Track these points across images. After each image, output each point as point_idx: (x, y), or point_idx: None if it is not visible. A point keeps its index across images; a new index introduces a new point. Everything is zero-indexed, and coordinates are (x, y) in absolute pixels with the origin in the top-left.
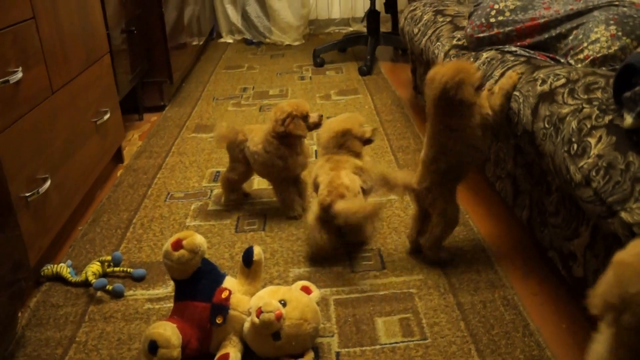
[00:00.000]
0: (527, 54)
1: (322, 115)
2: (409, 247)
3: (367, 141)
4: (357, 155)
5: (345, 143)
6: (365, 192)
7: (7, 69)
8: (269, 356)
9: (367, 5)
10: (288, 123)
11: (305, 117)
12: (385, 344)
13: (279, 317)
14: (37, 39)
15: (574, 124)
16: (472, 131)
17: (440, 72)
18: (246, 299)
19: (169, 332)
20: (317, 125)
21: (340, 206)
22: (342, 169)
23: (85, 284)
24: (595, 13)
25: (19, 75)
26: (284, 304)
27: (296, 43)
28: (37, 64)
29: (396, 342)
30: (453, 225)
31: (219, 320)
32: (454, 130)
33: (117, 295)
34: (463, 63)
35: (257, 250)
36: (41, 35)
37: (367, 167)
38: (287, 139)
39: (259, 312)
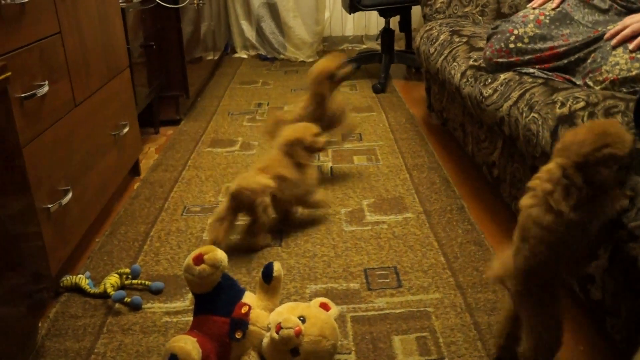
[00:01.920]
0: (545, 76)
1: (327, 141)
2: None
3: (318, 150)
4: (300, 164)
5: (293, 150)
6: (279, 199)
7: (34, 82)
8: None
9: (381, 24)
10: (289, 150)
11: (309, 147)
12: None
13: (298, 334)
14: (62, 54)
15: None
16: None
17: (577, 136)
18: (265, 315)
19: (189, 346)
20: (321, 149)
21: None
22: (263, 172)
23: (104, 295)
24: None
25: (45, 89)
26: (303, 320)
27: (310, 59)
28: (61, 78)
29: None
30: (553, 346)
31: (238, 335)
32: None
33: (135, 307)
34: (611, 125)
35: (277, 267)
36: (66, 49)
37: (292, 178)
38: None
39: (279, 327)
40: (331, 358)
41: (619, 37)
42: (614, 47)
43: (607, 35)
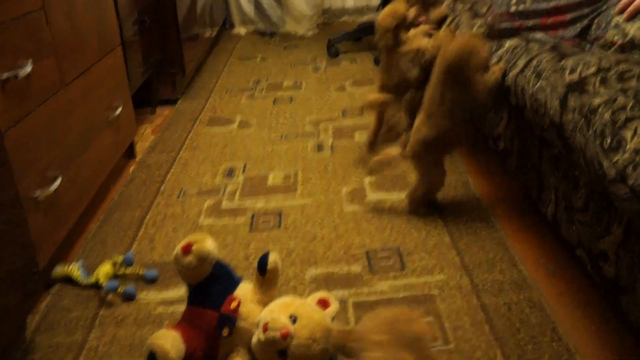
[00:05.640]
0: (553, 40)
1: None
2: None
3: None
4: None
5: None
6: None
7: (16, 61)
8: None
9: None
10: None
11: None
12: None
13: (285, 336)
14: (47, 31)
15: (607, 116)
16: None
17: (451, 47)
18: (258, 310)
19: (168, 344)
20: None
21: None
22: None
23: (96, 286)
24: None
25: (29, 68)
26: (294, 320)
27: (310, 33)
28: (47, 57)
29: None
30: (436, 189)
31: (224, 333)
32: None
33: (128, 298)
34: (473, 40)
35: (273, 258)
36: (52, 26)
37: None
38: None
39: (265, 328)
40: None
41: (631, 9)
42: (618, 13)
43: (616, 9)
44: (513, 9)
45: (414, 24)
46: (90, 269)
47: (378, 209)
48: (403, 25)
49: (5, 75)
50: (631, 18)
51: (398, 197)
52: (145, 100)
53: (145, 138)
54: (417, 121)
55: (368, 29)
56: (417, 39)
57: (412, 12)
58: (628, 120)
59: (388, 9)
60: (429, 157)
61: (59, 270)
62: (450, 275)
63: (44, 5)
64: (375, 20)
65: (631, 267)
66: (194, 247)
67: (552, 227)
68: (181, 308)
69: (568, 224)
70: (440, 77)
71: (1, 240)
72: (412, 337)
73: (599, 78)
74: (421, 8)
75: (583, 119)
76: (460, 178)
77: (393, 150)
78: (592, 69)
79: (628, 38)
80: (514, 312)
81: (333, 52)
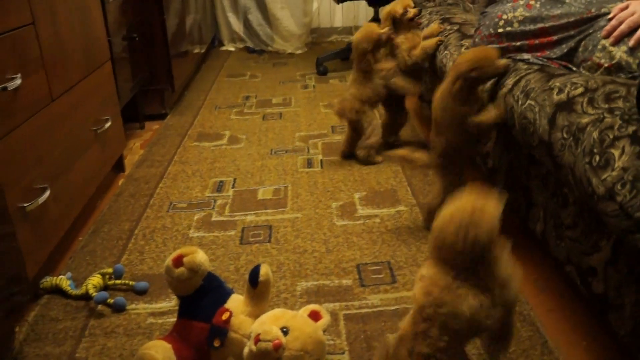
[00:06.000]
0: (541, 62)
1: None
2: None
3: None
4: None
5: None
6: None
7: (5, 75)
8: None
9: (370, 14)
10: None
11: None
12: None
13: (277, 347)
14: (36, 45)
15: (595, 135)
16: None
17: (465, 55)
18: (249, 321)
19: (159, 355)
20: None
21: None
22: None
23: (86, 297)
24: (601, 22)
25: (18, 82)
26: (286, 332)
27: (298, 51)
28: (36, 71)
29: None
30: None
31: (216, 344)
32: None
33: (118, 309)
34: (485, 51)
35: (264, 270)
36: (40, 41)
37: None
38: None
39: (257, 339)
40: None
41: (616, 34)
42: (605, 37)
43: (603, 33)
44: (500, 30)
45: (387, 42)
46: (78, 281)
47: (368, 224)
48: (378, 46)
49: None
50: (617, 42)
51: (388, 212)
52: (134, 115)
53: (134, 152)
54: (431, 133)
55: None
56: (408, 41)
57: (385, 31)
58: (616, 139)
59: (362, 33)
60: (448, 168)
61: (48, 281)
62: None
63: (33, 20)
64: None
65: (619, 283)
66: (185, 259)
67: (541, 244)
68: (171, 319)
69: (557, 241)
70: (452, 88)
71: None
72: None
73: (586, 98)
74: (393, 28)
75: (571, 138)
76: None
77: (419, 154)
78: (580, 89)
79: (615, 61)
80: None
81: (322, 71)
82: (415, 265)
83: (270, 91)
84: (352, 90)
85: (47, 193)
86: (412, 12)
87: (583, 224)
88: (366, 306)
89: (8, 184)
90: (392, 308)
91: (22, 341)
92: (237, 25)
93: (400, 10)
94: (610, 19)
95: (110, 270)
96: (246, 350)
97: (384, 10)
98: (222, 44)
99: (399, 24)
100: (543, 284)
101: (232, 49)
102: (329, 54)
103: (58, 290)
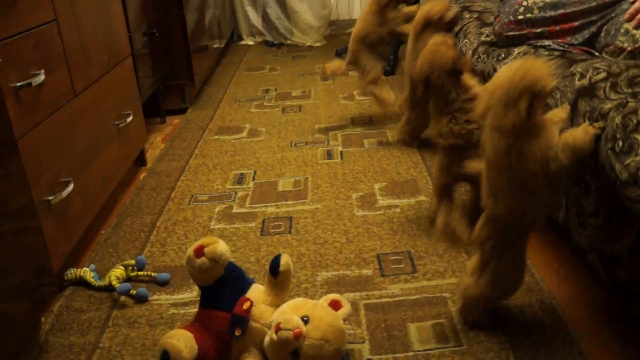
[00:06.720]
0: (562, 48)
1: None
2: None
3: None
4: None
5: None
6: None
7: (29, 71)
8: None
9: None
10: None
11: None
12: (419, 350)
13: (298, 336)
14: (59, 42)
15: (618, 120)
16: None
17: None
18: (270, 311)
19: (182, 344)
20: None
21: None
22: None
23: (109, 288)
24: (624, 5)
25: (42, 77)
26: (306, 321)
27: (317, 44)
28: (59, 67)
29: (430, 349)
30: (507, 291)
31: (237, 333)
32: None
33: (141, 300)
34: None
35: (285, 260)
36: (63, 37)
37: None
38: None
39: (278, 328)
40: None
41: (639, 17)
42: (628, 20)
43: (626, 16)
44: (520, 17)
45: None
46: (101, 274)
47: (389, 214)
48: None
49: (19, 84)
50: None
51: (408, 202)
52: (155, 110)
53: (155, 146)
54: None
55: None
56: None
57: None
58: (639, 123)
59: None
60: (500, 242)
61: (72, 273)
62: (462, 279)
63: (56, 17)
64: None
65: None
66: (206, 250)
67: (563, 232)
68: (193, 310)
69: (579, 229)
70: (495, 123)
71: (16, 246)
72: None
73: (609, 83)
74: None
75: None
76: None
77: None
78: (603, 74)
79: (638, 44)
80: (526, 314)
81: None
82: (436, 255)
83: (290, 84)
84: (357, 26)
85: (71, 186)
86: (451, 13)
87: (606, 212)
88: (386, 296)
89: (33, 177)
90: (413, 298)
91: (48, 331)
92: (256, 19)
93: (437, 14)
94: (633, 2)
95: (132, 262)
96: (267, 339)
97: (420, 12)
98: (241, 38)
99: (432, 26)
100: (565, 272)
101: (251, 43)
102: (348, 46)
103: (82, 282)
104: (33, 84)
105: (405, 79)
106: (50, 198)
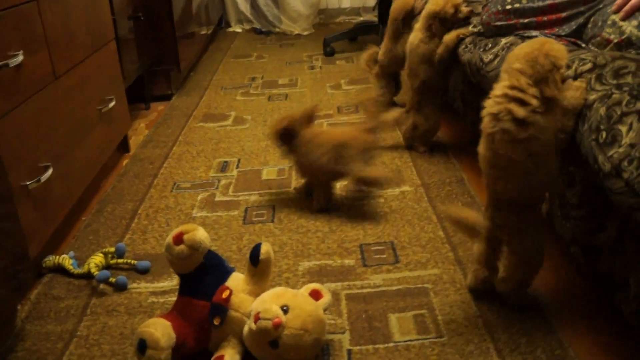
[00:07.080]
0: (549, 38)
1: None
2: (472, 282)
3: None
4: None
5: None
6: None
7: (7, 52)
8: None
9: None
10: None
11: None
12: (399, 341)
13: (277, 326)
14: (39, 23)
15: (602, 111)
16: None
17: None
18: (250, 300)
19: (159, 332)
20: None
21: None
22: None
23: (88, 275)
24: None
25: (20, 58)
26: (286, 311)
27: (306, 32)
28: (39, 49)
29: (411, 340)
30: (536, 265)
31: (216, 322)
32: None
33: (120, 288)
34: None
35: (265, 249)
36: (43, 18)
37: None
38: None
39: (257, 317)
40: (313, 353)
41: (627, 9)
42: (615, 12)
43: (613, 8)
44: (508, 7)
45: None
46: (81, 261)
47: (372, 204)
48: (410, 16)
49: None
50: (628, 17)
51: (392, 192)
52: (140, 96)
53: (139, 133)
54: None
55: (364, 29)
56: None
57: (419, 3)
58: (623, 114)
59: (397, 2)
60: (517, 223)
61: (50, 260)
62: (444, 270)
63: None
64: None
65: (625, 262)
66: (185, 237)
67: (545, 224)
68: (173, 299)
69: (562, 221)
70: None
71: None
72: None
73: (594, 74)
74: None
75: (578, 115)
76: (455, 174)
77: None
78: (588, 65)
79: (625, 36)
80: (507, 306)
81: (329, 51)
82: (419, 245)
83: (277, 72)
84: (380, 50)
85: (50, 171)
86: (465, 10)
87: (589, 204)
88: (368, 286)
89: (11, 162)
90: (394, 288)
91: (24, 319)
92: (244, 6)
93: (451, 10)
94: None
95: (112, 249)
96: (246, 329)
97: (427, 9)
98: (229, 25)
99: (446, 23)
100: (547, 264)
101: (239, 30)
102: (336, 35)
103: (60, 269)
104: (10, 65)
105: (405, 79)
106: (28, 183)
